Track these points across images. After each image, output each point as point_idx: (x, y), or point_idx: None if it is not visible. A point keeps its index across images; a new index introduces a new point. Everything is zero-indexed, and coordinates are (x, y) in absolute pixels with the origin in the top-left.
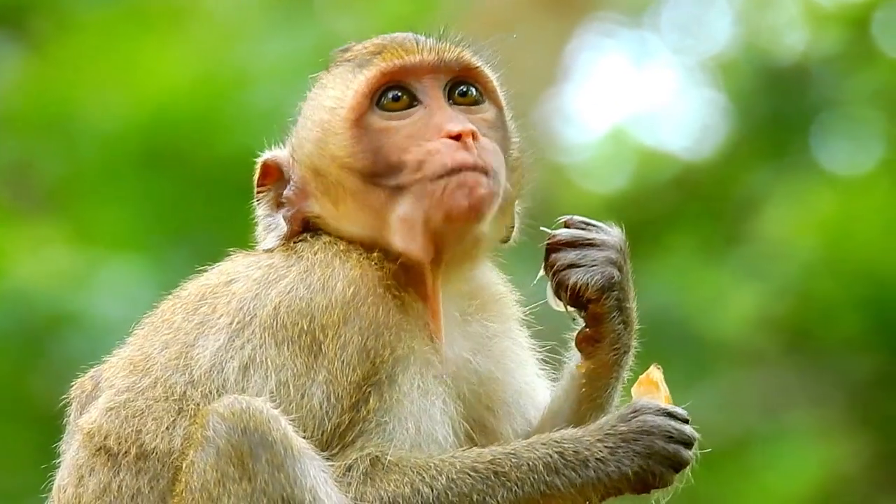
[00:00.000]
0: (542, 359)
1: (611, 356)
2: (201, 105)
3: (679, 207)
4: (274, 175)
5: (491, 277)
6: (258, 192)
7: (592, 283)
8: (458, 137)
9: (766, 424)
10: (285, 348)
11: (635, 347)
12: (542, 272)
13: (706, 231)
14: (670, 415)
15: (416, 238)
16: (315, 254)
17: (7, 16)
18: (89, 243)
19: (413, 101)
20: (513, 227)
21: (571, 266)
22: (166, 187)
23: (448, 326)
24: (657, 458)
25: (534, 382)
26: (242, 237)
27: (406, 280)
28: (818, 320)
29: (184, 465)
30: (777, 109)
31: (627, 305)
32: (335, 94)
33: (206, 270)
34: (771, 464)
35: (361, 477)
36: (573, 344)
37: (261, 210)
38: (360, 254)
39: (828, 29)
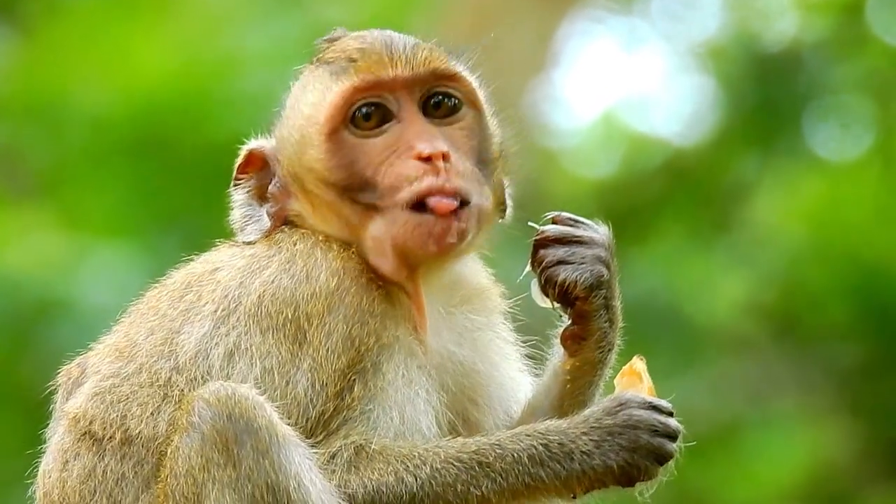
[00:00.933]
0: (525, 353)
1: (596, 354)
2: (190, 91)
3: (668, 193)
4: (257, 164)
5: (474, 270)
6: (237, 178)
7: (581, 280)
8: (428, 159)
9: (754, 411)
10: (270, 336)
11: (619, 344)
12: (528, 268)
13: (695, 217)
14: (655, 408)
15: (387, 259)
16: (295, 244)
17: None
18: (78, 229)
19: (386, 115)
20: (505, 207)
21: (560, 263)
22: (155, 173)
23: (432, 318)
24: (642, 452)
25: (516, 377)
26: (230, 224)
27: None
28: (807, 307)
29: (168, 451)
30: (767, 95)
31: (614, 304)
32: (313, 101)
33: (192, 259)
34: (758, 451)
35: (345, 465)
36: (558, 340)
37: (239, 196)
38: (340, 245)
39: (819, 14)
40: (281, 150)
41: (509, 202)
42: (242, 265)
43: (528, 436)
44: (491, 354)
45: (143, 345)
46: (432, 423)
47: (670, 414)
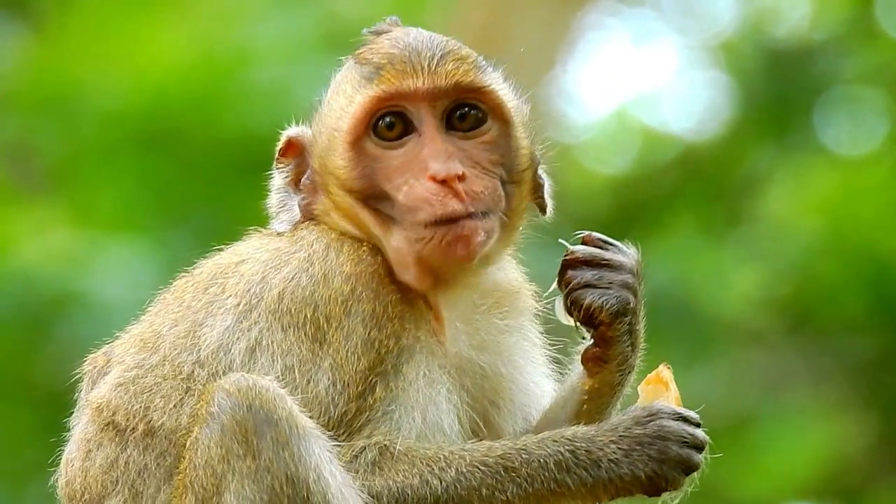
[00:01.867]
0: (551, 356)
1: (616, 376)
2: (202, 85)
3: (681, 187)
4: (296, 151)
5: (508, 273)
6: (277, 163)
7: (607, 306)
8: (443, 181)
9: (768, 404)
10: (291, 333)
11: (639, 366)
12: (554, 285)
13: (708, 211)
14: (685, 419)
15: (409, 270)
16: (312, 244)
17: None
18: (91, 224)
19: (409, 127)
20: (544, 203)
21: (587, 286)
22: (167, 167)
23: (451, 325)
24: (671, 464)
25: (541, 382)
26: (243, 217)
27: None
28: (820, 300)
29: (188, 442)
30: (779, 89)
31: (637, 328)
32: (341, 105)
33: (219, 250)
34: (772, 444)
35: (369, 465)
36: (578, 359)
37: (277, 181)
38: (354, 245)
39: (830, 8)
40: (315, 144)
41: (549, 202)
42: (266, 259)
43: (555, 441)
44: (516, 358)
45: (166, 336)
46: (454, 422)
47: (698, 425)
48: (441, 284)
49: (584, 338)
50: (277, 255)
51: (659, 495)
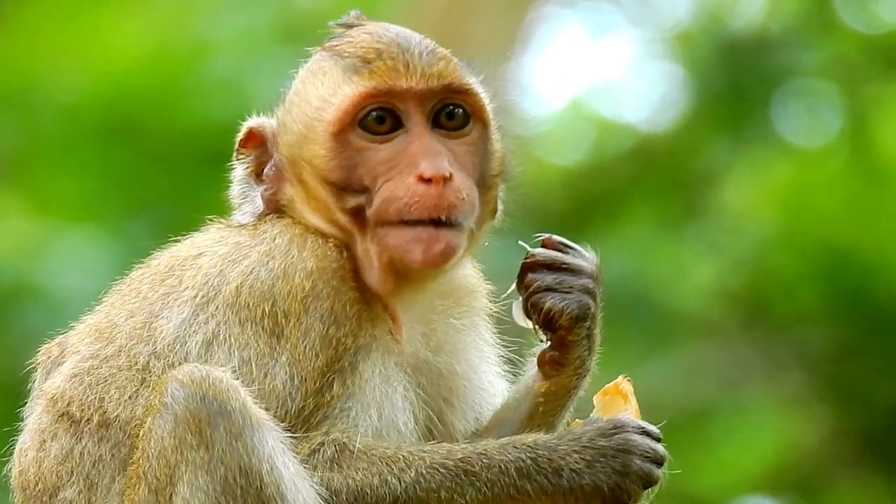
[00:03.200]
0: (505, 356)
1: (572, 380)
2: (160, 76)
3: (638, 179)
4: (257, 142)
5: (465, 271)
6: (238, 153)
7: (568, 311)
8: (429, 181)
9: (724, 397)
10: (248, 328)
11: (595, 370)
12: (513, 287)
13: (665, 203)
14: (647, 434)
15: (374, 269)
16: (275, 238)
17: None
18: (49, 215)
19: (397, 123)
20: (496, 212)
21: (547, 290)
22: (125, 158)
23: (408, 327)
24: (633, 477)
25: (494, 381)
26: (201, 208)
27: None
28: (776, 293)
29: (141, 432)
30: (736, 81)
31: (595, 333)
32: (322, 94)
33: (177, 241)
34: (728, 436)
35: (328, 462)
36: (535, 361)
37: (238, 172)
38: (318, 241)
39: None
40: (282, 134)
41: (500, 206)
42: (224, 252)
43: (517, 448)
44: (470, 356)
45: (122, 326)
46: (409, 420)
47: (658, 440)
48: (403, 287)
49: (542, 341)
50: (237, 248)
51: None
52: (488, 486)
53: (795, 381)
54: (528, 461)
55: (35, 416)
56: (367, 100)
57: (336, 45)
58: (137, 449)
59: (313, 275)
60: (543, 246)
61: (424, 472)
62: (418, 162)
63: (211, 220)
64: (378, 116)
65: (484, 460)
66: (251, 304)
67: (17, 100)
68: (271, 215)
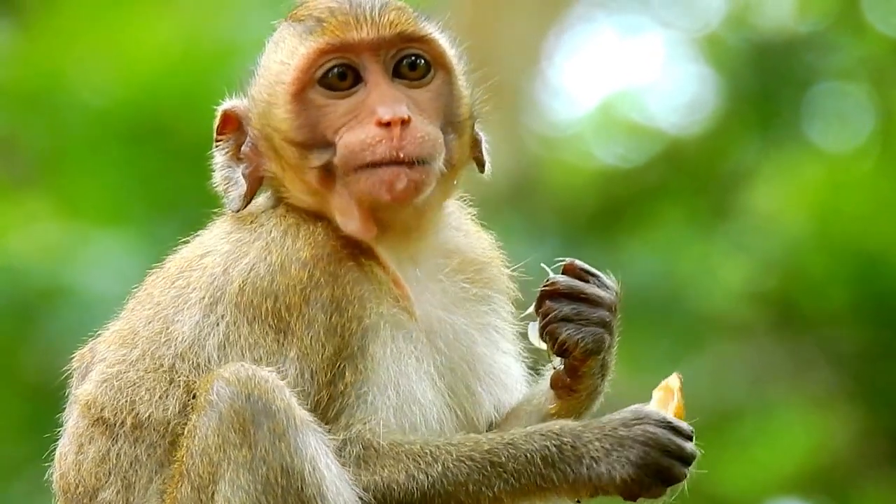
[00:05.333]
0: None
1: (584, 403)
2: (188, 78)
3: (667, 181)
4: (234, 125)
5: (473, 241)
6: (217, 140)
7: (582, 344)
8: (387, 125)
9: (753, 397)
10: (256, 327)
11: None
12: (531, 310)
13: (694, 205)
14: (673, 429)
15: (353, 219)
16: (270, 232)
17: None
18: (78, 217)
19: (357, 79)
20: (483, 159)
21: (564, 320)
22: (153, 160)
23: (415, 287)
24: (648, 470)
25: (510, 363)
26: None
27: (360, 249)
28: (805, 294)
29: (185, 430)
30: (766, 83)
31: (609, 362)
32: (282, 59)
33: (186, 242)
34: (758, 437)
35: (355, 460)
36: (548, 380)
37: (219, 158)
38: (310, 229)
39: (816, 1)
40: (252, 108)
41: (487, 158)
42: (227, 250)
43: (543, 436)
44: (488, 328)
45: (142, 332)
46: (427, 390)
47: (689, 438)
48: (391, 235)
49: (555, 367)
50: (238, 245)
51: (634, 500)
52: (515, 477)
53: (824, 382)
54: (554, 448)
55: (72, 421)
56: (321, 56)
57: (296, 12)
58: (181, 446)
59: (308, 264)
60: (565, 271)
61: (451, 465)
62: (376, 108)
63: (215, 215)
64: (340, 73)
65: (510, 450)
66: (255, 302)
67: (46, 102)
68: (268, 205)
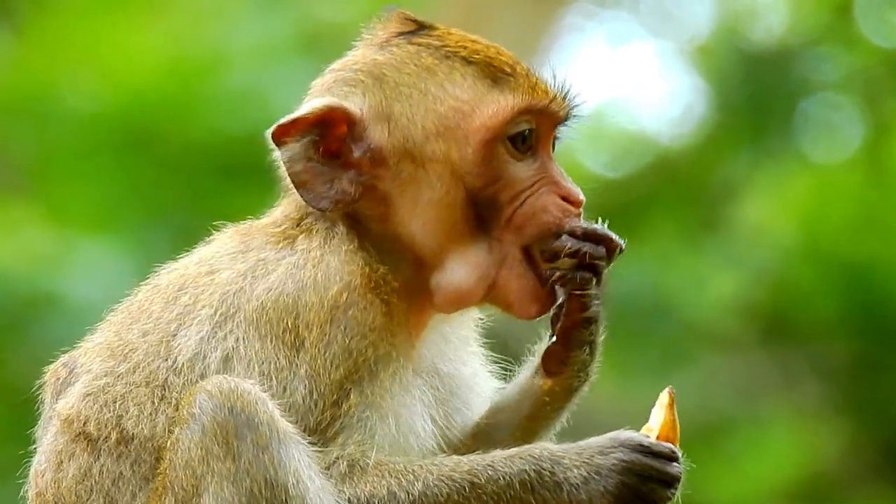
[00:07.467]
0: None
1: (573, 381)
2: (178, 86)
3: (657, 192)
4: (339, 125)
5: None
6: (301, 132)
7: (593, 307)
8: (572, 204)
9: (743, 410)
10: (268, 342)
11: (594, 377)
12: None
13: (684, 216)
14: (652, 453)
15: (463, 291)
16: (310, 251)
17: None
18: (66, 225)
19: (534, 145)
20: None
21: (582, 268)
22: (143, 169)
23: (429, 333)
24: (627, 498)
25: (489, 382)
26: (219, 218)
27: (389, 283)
28: (795, 306)
29: (168, 443)
30: (756, 94)
31: (597, 340)
32: (462, 97)
33: (181, 258)
34: (748, 449)
35: (340, 476)
36: (537, 361)
37: (296, 149)
38: (352, 253)
39: (807, 13)
40: (386, 122)
41: None
42: (245, 269)
43: (522, 459)
44: (469, 359)
45: (137, 345)
46: (427, 423)
47: (671, 458)
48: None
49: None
50: (259, 264)
51: None
52: (494, 500)
53: (814, 394)
54: (533, 474)
55: (49, 437)
56: (521, 115)
57: (454, 52)
58: (164, 459)
59: (349, 286)
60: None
61: (432, 484)
62: (562, 184)
63: (217, 230)
64: (525, 136)
65: (489, 472)
66: (274, 320)
67: (35, 109)
68: (309, 220)
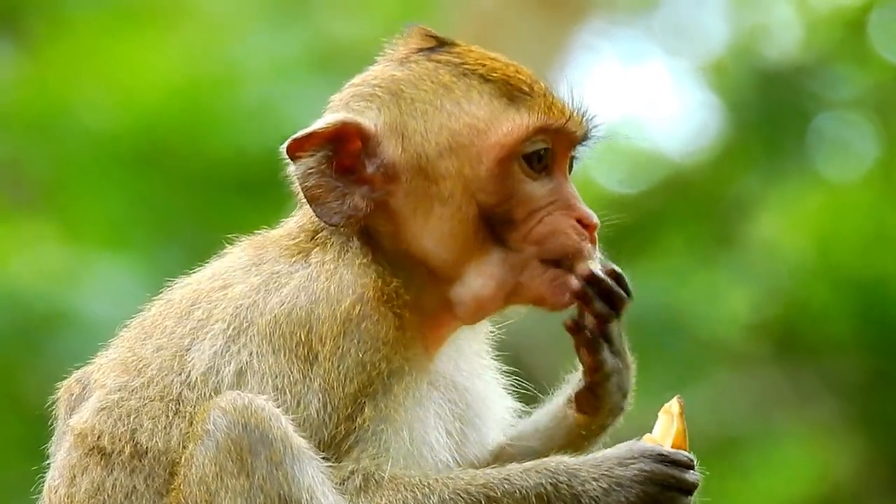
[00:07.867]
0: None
1: (606, 419)
2: (191, 103)
3: (670, 209)
4: (353, 141)
5: None
6: (313, 148)
7: (615, 379)
8: (586, 227)
9: (756, 426)
10: (282, 356)
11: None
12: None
13: (698, 232)
14: (671, 461)
15: (484, 299)
16: (324, 264)
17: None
18: (80, 242)
19: (549, 164)
20: None
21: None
22: (157, 186)
23: (446, 347)
24: None
25: (504, 400)
26: (232, 235)
27: (403, 297)
28: (809, 323)
29: (183, 459)
30: (770, 112)
31: (627, 385)
32: (478, 114)
33: (193, 273)
34: (761, 466)
35: (355, 490)
36: (571, 395)
37: (310, 164)
38: (366, 267)
39: (821, 31)
40: (399, 137)
41: None
42: (258, 283)
43: (539, 473)
44: (483, 372)
45: (151, 360)
46: (441, 436)
47: (688, 466)
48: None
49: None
50: (272, 278)
51: None
52: None
53: (827, 410)
54: (549, 487)
55: (63, 452)
56: (537, 133)
57: (472, 69)
58: (177, 475)
59: (363, 299)
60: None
61: (448, 497)
62: (577, 206)
63: (231, 243)
64: (541, 155)
65: (506, 486)
66: (287, 333)
67: (50, 127)
68: (323, 234)
